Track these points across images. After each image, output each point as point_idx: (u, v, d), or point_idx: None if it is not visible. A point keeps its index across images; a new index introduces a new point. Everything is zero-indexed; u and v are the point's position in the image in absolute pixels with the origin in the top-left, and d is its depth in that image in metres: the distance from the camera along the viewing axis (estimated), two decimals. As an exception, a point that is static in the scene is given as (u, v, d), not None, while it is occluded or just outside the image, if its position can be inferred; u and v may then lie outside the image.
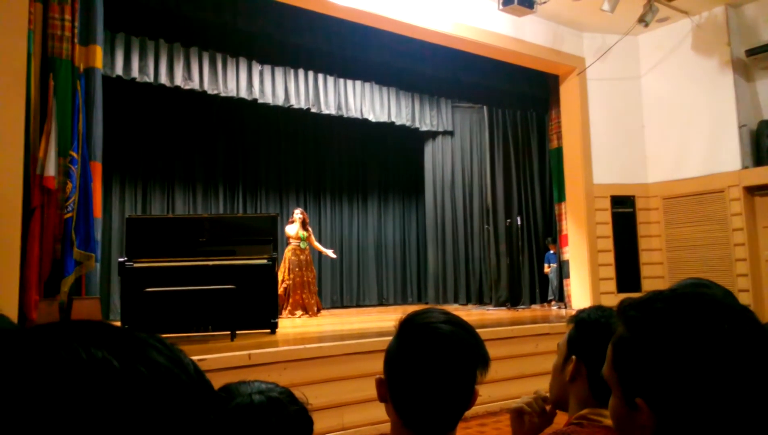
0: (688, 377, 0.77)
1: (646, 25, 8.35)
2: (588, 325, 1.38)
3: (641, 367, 0.81)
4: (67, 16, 5.72)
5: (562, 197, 9.85)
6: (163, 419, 0.43)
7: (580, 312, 1.45)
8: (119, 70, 7.42)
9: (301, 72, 9.10)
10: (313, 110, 9.36)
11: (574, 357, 1.38)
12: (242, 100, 8.67)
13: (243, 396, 1.05)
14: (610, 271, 9.29)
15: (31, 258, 5.22)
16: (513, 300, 10.01)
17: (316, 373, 4.85)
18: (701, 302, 0.81)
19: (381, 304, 11.97)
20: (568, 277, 9.62)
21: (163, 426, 0.43)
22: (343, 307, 11.46)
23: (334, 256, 9.85)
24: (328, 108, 9.47)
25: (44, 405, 0.39)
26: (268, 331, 6.27)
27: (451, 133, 11.57)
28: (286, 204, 11.17)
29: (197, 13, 7.07)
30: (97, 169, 5.93)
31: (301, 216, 9.09)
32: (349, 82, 9.67)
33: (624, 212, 9.46)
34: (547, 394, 1.49)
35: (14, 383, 0.39)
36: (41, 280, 5.39)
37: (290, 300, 8.88)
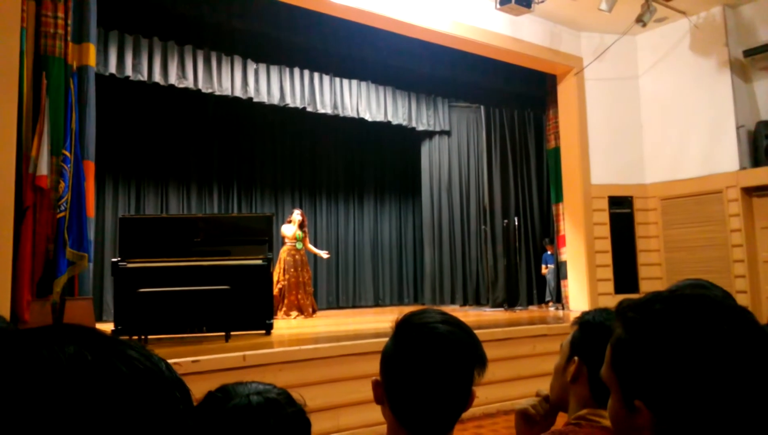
0: (688, 379, 0.76)
1: (644, 25, 8.33)
2: (592, 328, 1.38)
3: (640, 368, 0.81)
4: (60, 14, 5.68)
5: (559, 198, 9.82)
6: (141, 409, 0.46)
7: (585, 314, 1.44)
8: (113, 68, 7.37)
9: (296, 71, 9.07)
10: (309, 109, 9.32)
11: (576, 358, 1.38)
12: (237, 98, 8.64)
13: (240, 397, 1.03)
14: (608, 272, 9.27)
15: (23, 258, 5.17)
16: (510, 301, 9.97)
17: (311, 374, 4.81)
18: (700, 304, 0.81)
19: (377, 304, 11.94)
20: (565, 278, 9.60)
21: (141, 415, 0.46)
22: (338, 307, 11.42)
23: (326, 255, 9.80)
24: (324, 107, 9.43)
25: (34, 396, 0.43)
26: (263, 332, 6.22)
27: (448, 133, 11.55)
28: (282, 204, 11.13)
29: (192, 11, 7.03)
30: (90, 168, 5.88)
31: (300, 217, 9.05)
32: (345, 81, 9.64)
33: (622, 213, 9.44)
34: (549, 394, 1.49)
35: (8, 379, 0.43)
36: (34, 281, 5.35)
37: (285, 301, 8.83)
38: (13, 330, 0.47)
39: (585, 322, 1.40)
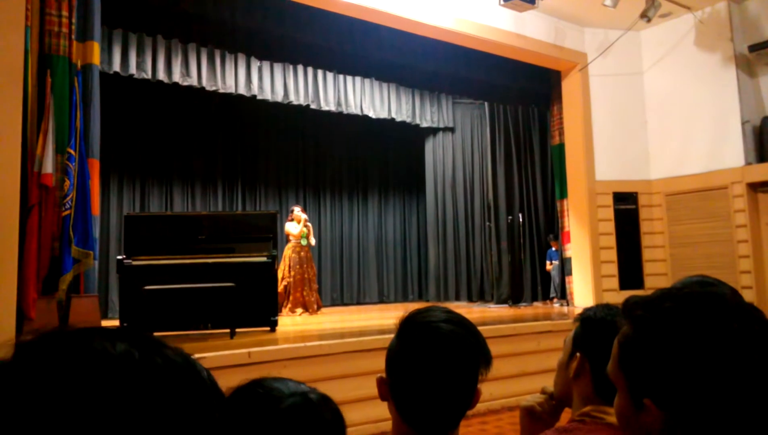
0: (698, 377, 0.76)
1: (649, 21, 8.30)
2: (593, 323, 1.37)
3: (649, 366, 0.81)
4: (65, 12, 5.68)
5: (564, 194, 9.80)
6: (176, 408, 0.48)
7: (587, 310, 1.44)
8: (117, 66, 7.39)
9: (300, 68, 9.07)
10: (313, 106, 9.32)
11: (578, 354, 1.38)
12: (241, 96, 8.64)
13: (296, 395, 1.00)
14: (613, 269, 9.25)
15: (29, 256, 5.19)
16: (515, 297, 9.97)
17: (316, 371, 4.82)
18: (710, 301, 0.80)
19: (381, 301, 11.94)
20: (570, 274, 9.58)
21: (176, 413, 0.48)
22: (343, 304, 11.43)
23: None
24: (328, 104, 9.43)
25: (85, 389, 0.45)
26: (268, 329, 6.24)
27: (452, 130, 11.53)
28: (286, 201, 11.14)
29: (196, 9, 7.04)
30: (94, 166, 5.89)
31: (305, 215, 9.07)
32: (349, 78, 9.63)
33: (626, 209, 9.41)
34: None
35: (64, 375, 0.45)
36: (39, 278, 5.36)
37: (290, 298, 8.85)
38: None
39: (586, 317, 1.40)
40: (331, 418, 1.00)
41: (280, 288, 8.47)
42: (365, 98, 9.88)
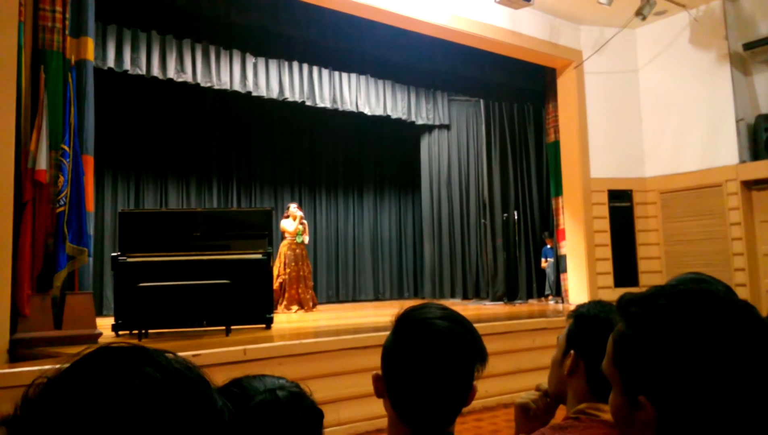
0: (693, 374, 0.76)
1: (644, 19, 8.32)
2: (587, 320, 1.38)
3: (644, 364, 0.80)
4: (58, 8, 5.65)
5: (559, 191, 9.82)
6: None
7: (580, 307, 1.44)
8: (111, 62, 7.35)
9: (295, 64, 9.04)
10: (308, 103, 9.30)
11: (572, 351, 1.38)
12: (236, 92, 8.61)
13: (265, 392, 1.01)
14: (608, 266, 9.27)
15: (23, 253, 5.16)
16: (510, 295, 9.99)
17: (311, 368, 4.82)
18: (704, 299, 0.80)
19: (377, 298, 11.95)
20: (565, 271, 9.60)
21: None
22: (338, 301, 11.44)
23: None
24: (323, 101, 9.41)
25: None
26: (264, 326, 6.23)
27: (447, 127, 11.53)
28: (281, 198, 11.13)
29: (190, 5, 7.02)
30: (89, 162, 5.86)
31: (301, 212, 9.06)
32: (344, 75, 9.62)
33: (621, 206, 9.44)
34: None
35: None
36: (33, 275, 5.33)
37: (286, 295, 8.84)
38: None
39: (580, 314, 1.40)
40: (301, 415, 1.00)
41: (276, 285, 8.46)
42: (360, 95, 9.87)
